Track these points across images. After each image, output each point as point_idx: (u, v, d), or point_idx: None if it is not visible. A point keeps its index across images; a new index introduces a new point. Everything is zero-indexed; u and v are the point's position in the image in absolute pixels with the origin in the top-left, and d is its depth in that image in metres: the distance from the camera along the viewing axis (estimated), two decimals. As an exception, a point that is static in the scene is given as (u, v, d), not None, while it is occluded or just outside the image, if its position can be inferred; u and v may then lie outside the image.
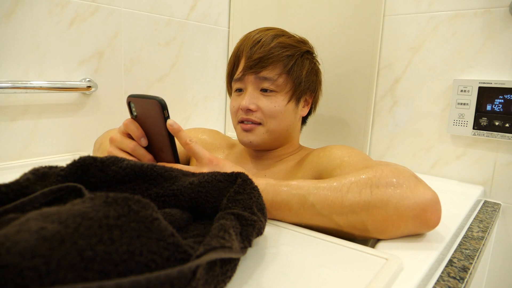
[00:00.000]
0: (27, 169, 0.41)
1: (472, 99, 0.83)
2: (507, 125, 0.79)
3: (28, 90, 0.76)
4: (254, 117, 0.70)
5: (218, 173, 0.44)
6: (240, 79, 0.73)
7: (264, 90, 0.70)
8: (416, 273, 0.41)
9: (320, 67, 0.80)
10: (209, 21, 1.16)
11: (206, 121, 1.22)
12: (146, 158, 0.57)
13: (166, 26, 1.04)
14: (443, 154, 0.90)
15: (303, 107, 0.76)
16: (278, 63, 0.70)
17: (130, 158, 0.55)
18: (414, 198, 0.46)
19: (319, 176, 0.65)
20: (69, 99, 0.87)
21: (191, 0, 1.10)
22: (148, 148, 0.58)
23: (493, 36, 0.81)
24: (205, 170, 0.53)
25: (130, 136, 0.56)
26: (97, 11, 0.87)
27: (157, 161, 0.57)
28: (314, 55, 0.78)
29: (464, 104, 0.84)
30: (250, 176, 0.52)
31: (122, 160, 0.42)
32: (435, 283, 0.44)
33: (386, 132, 0.98)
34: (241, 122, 0.73)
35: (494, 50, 0.81)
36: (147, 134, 0.56)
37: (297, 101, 0.73)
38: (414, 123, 0.93)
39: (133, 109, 0.55)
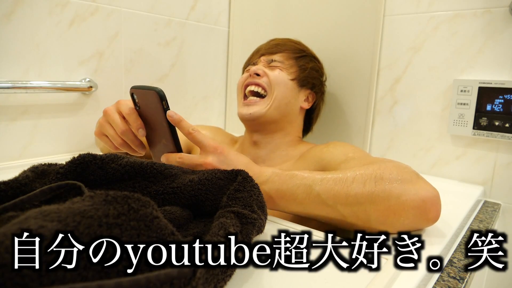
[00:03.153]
0: (26, 169, 0.41)
1: (472, 99, 0.83)
2: (507, 125, 0.79)
3: (28, 90, 0.76)
4: (261, 81, 0.76)
5: (218, 170, 0.44)
6: (254, 64, 0.81)
7: (272, 66, 0.78)
8: (416, 273, 0.41)
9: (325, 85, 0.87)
10: (209, 21, 1.16)
11: (206, 121, 1.22)
12: (135, 143, 0.57)
13: (166, 26, 1.04)
14: (443, 154, 0.90)
15: (303, 100, 0.80)
16: (290, 52, 0.80)
17: (119, 139, 0.56)
18: (415, 190, 0.48)
19: (322, 170, 0.65)
20: (69, 99, 0.87)
21: (191, 0, 1.10)
22: (150, 138, 0.58)
23: (493, 36, 0.81)
24: (210, 158, 0.53)
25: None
26: (97, 11, 0.87)
27: (159, 152, 0.57)
28: (321, 65, 0.86)
29: (464, 104, 0.84)
30: (256, 166, 0.52)
31: (121, 157, 0.42)
32: (435, 283, 0.43)
33: (386, 132, 0.98)
34: (245, 97, 0.78)
35: (494, 50, 0.81)
36: (150, 124, 0.56)
37: (299, 86, 0.78)
38: (414, 123, 0.93)
39: (136, 101, 0.56)
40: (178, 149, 0.54)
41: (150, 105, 0.53)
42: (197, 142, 0.54)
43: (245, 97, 0.78)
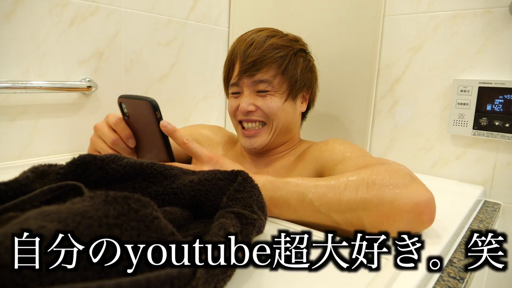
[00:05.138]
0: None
1: (472, 99, 0.83)
2: (507, 125, 0.79)
3: (28, 90, 0.76)
4: (256, 116, 0.71)
5: (218, 171, 0.44)
6: (236, 84, 0.73)
7: (260, 92, 0.71)
8: (416, 273, 0.41)
9: (316, 63, 0.80)
10: (209, 21, 1.16)
11: (206, 121, 1.22)
12: (126, 152, 0.57)
13: (166, 26, 1.04)
14: (443, 154, 0.90)
15: (301, 103, 0.77)
16: (272, 65, 0.70)
17: (110, 151, 0.56)
18: (408, 194, 0.47)
19: (321, 170, 0.65)
20: (69, 99, 0.87)
21: (191, 0, 1.10)
22: (141, 148, 0.58)
23: (493, 36, 0.81)
24: (205, 167, 0.53)
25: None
26: (97, 11, 0.87)
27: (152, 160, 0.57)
28: (307, 52, 0.78)
29: (464, 104, 0.84)
30: (250, 174, 0.52)
31: (121, 158, 0.42)
32: (435, 283, 0.44)
33: (386, 132, 0.98)
34: (241, 123, 0.73)
35: (494, 50, 0.81)
36: (140, 134, 0.56)
37: (294, 98, 0.73)
38: (414, 123, 0.93)
39: (125, 110, 0.55)
40: (171, 158, 0.54)
41: (141, 115, 0.53)
42: (192, 152, 0.54)
43: (242, 125, 0.74)
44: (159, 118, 0.51)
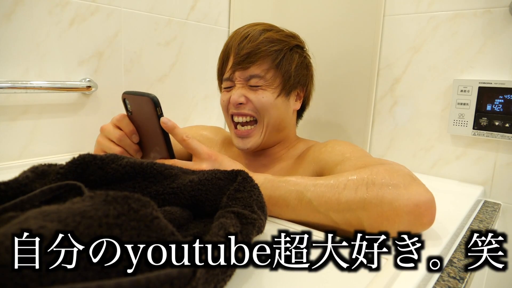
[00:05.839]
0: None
1: (472, 99, 0.83)
2: (507, 125, 0.79)
3: (28, 90, 0.76)
4: (247, 109, 0.70)
5: (218, 171, 0.44)
6: (229, 78, 0.73)
7: (252, 86, 0.70)
8: (416, 273, 0.41)
9: (315, 63, 0.79)
10: (209, 21, 1.16)
11: (206, 121, 1.22)
12: (132, 148, 0.57)
13: (166, 26, 1.04)
14: (443, 154, 0.90)
15: (295, 101, 0.76)
16: (266, 58, 0.69)
17: (117, 148, 0.56)
18: (408, 195, 0.47)
19: (320, 171, 0.65)
20: (69, 99, 0.87)
21: (191, 0, 1.10)
22: (143, 144, 0.58)
23: (493, 36, 0.81)
24: (204, 165, 0.53)
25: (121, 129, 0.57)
26: (97, 11, 0.87)
27: (152, 158, 0.57)
28: (304, 49, 0.77)
29: (464, 104, 0.84)
30: (250, 173, 0.52)
31: (121, 158, 0.42)
32: (435, 283, 0.43)
33: (386, 132, 0.98)
34: (233, 120, 0.73)
35: (494, 50, 0.81)
36: (142, 130, 0.56)
37: (287, 95, 0.72)
38: (414, 123, 0.93)
39: (128, 106, 0.56)
40: (171, 155, 0.55)
41: (143, 111, 0.53)
42: (191, 149, 0.54)
43: (235, 123, 0.73)
44: (160, 114, 0.52)
